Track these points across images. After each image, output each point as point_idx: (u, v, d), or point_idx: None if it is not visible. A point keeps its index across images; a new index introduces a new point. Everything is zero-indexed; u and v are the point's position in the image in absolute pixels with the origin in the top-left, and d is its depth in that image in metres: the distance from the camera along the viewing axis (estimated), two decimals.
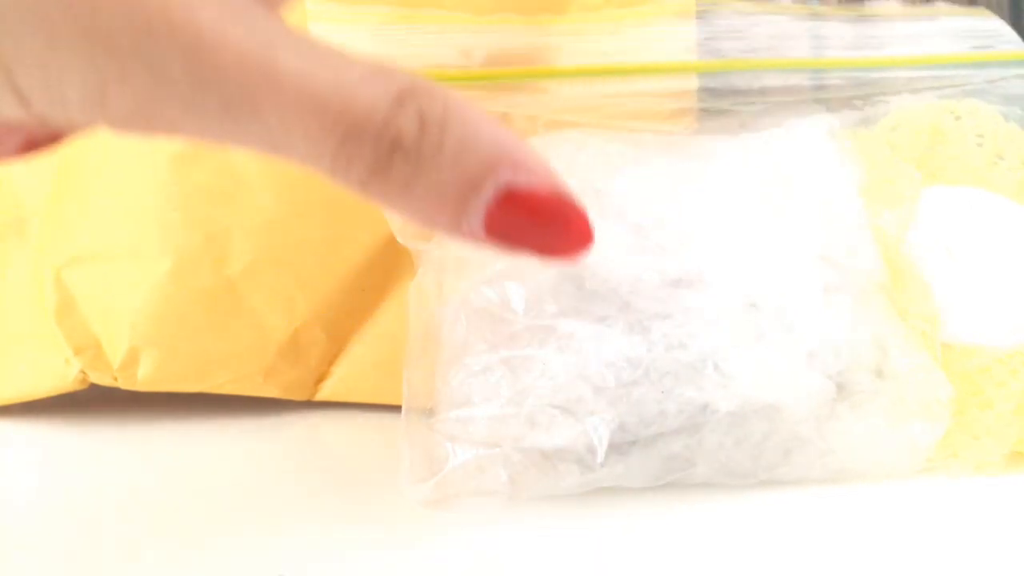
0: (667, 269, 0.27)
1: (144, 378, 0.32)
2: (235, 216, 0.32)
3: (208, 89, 0.16)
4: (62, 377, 0.32)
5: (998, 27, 0.34)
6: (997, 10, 0.39)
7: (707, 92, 0.31)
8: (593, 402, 0.26)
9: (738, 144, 0.29)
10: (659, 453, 0.26)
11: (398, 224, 0.29)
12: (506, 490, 0.26)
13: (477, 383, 0.26)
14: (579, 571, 0.24)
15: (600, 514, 0.26)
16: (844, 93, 0.32)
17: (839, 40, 0.33)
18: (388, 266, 0.33)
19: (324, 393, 0.34)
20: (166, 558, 0.25)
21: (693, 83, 0.31)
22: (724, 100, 0.31)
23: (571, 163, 0.28)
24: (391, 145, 0.17)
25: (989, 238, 0.30)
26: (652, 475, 0.26)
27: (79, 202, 0.33)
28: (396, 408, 0.29)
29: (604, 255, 0.26)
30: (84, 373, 0.32)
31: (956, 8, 0.35)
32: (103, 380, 0.32)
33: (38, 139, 0.19)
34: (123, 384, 0.32)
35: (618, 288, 0.26)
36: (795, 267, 0.27)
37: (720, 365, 0.26)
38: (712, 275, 0.27)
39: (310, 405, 0.34)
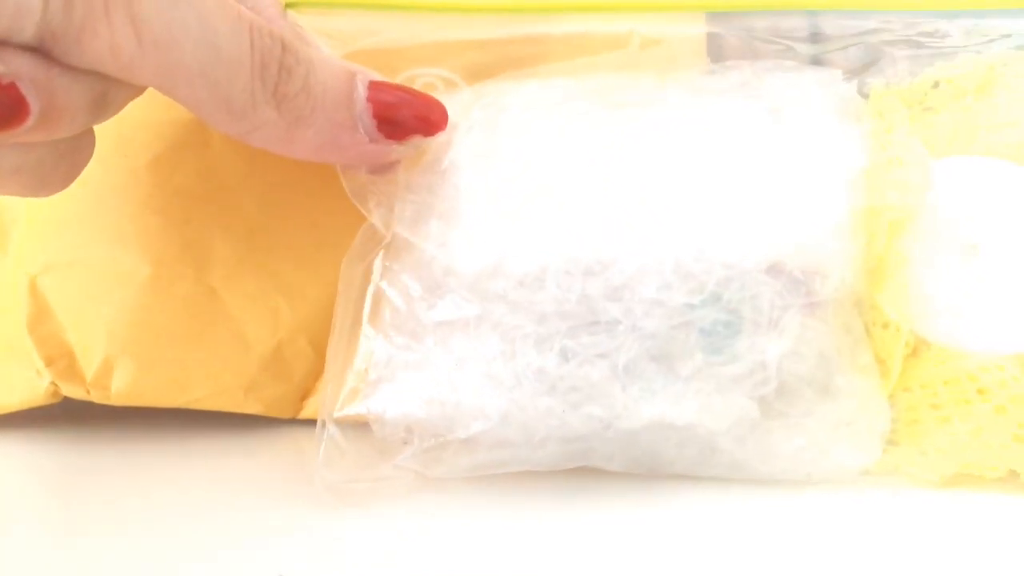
0: (594, 279, 0.25)
1: (118, 392, 0.31)
2: (217, 221, 0.31)
3: None
4: (33, 390, 0.31)
5: None
6: None
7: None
8: (498, 405, 0.25)
9: (725, 111, 0.27)
10: (574, 447, 0.26)
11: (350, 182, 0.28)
12: (414, 471, 0.26)
13: (397, 369, 0.26)
14: (570, 569, 0.24)
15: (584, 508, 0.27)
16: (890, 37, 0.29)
17: None
18: None
19: (310, 411, 0.32)
20: None
21: (701, 28, 0.29)
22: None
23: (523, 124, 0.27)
24: (282, 45, 0.23)
25: (1010, 225, 0.27)
26: (564, 462, 0.26)
27: (56, 207, 0.32)
28: None
29: (528, 257, 0.25)
30: (56, 385, 0.31)
31: None
32: (75, 393, 0.31)
33: None
34: (96, 398, 0.31)
35: (540, 294, 0.25)
36: (739, 280, 0.25)
37: (628, 388, 0.25)
38: (642, 282, 0.25)
39: (294, 423, 0.32)
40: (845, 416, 0.26)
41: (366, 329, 0.27)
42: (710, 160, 0.26)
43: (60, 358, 0.31)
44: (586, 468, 0.27)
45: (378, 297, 0.27)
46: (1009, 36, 0.29)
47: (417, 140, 0.26)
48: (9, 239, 0.33)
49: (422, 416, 0.26)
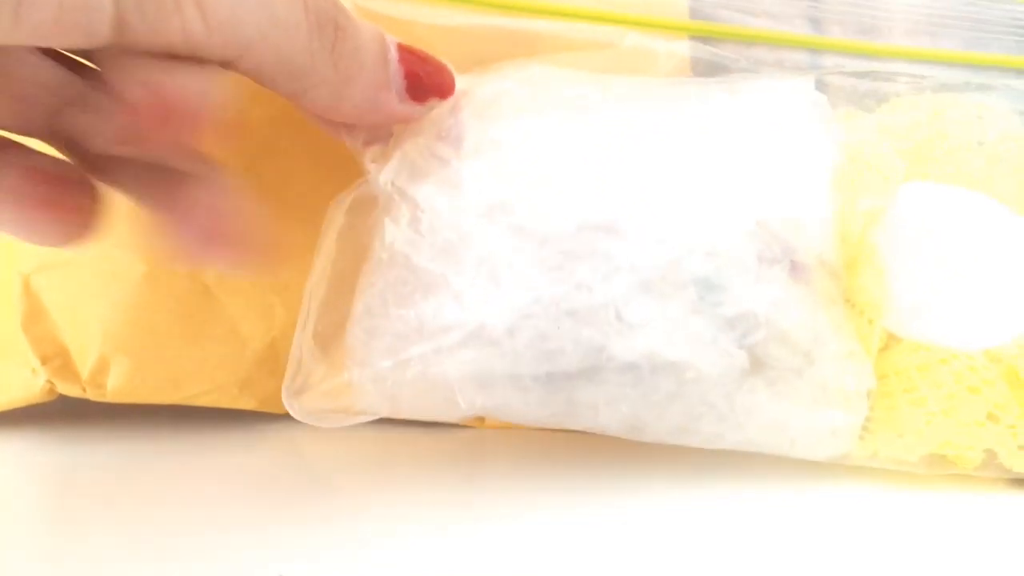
0: (593, 213, 0.26)
1: (114, 389, 0.31)
2: None
3: None
4: (28, 388, 0.31)
5: None
6: None
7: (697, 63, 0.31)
8: (493, 331, 0.26)
9: (706, 95, 0.28)
10: (560, 395, 0.26)
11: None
12: (385, 411, 0.27)
13: (390, 297, 0.26)
14: (566, 569, 0.24)
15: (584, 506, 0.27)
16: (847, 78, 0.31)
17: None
18: None
19: None
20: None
21: (684, 48, 0.30)
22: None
23: (522, 100, 0.28)
24: (333, 2, 0.24)
25: (962, 238, 0.29)
26: (552, 414, 0.27)
27: None
28: (380, 421, 0.28)
29: (534, 193, 0.26)
30: (51, 383, 0.31)
31: None
32: (71, 391, 0.31)
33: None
34: (92, 395, 0.31)
35: (539, 226, 0.26)
36: (730, 230, 0.26)
37: (622, 313, 0.25)
38: (638, 225, 0.26)
39: (288, 418, 0.31)
40: (830, 378, 0.27)
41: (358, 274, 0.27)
42: (698, 141, 0.27)
43: (55, 356, 0.31)
44: (582, 463, 0.28)
45: (365, 240, 0.28)
46: (969, 83, 0.31)
47: (433, 102, 0.27)
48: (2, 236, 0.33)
49: (410, 338, 0.26)
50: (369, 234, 0.28)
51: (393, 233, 0.27)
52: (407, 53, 0.26)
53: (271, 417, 0.33)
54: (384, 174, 0.27)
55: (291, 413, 0.27)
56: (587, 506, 0.27)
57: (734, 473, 0.28)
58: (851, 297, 0.28)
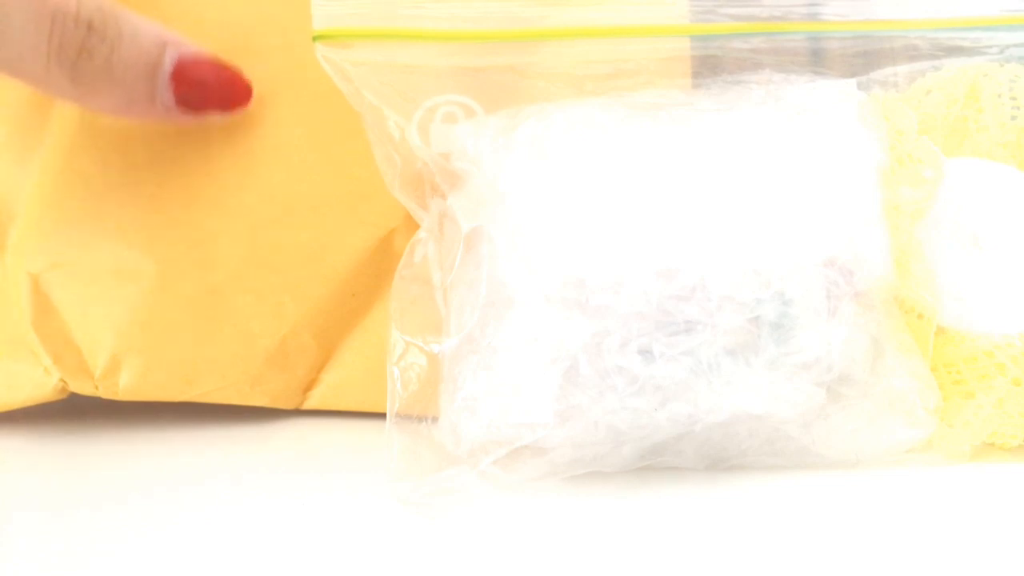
0: (668, 278, 0.26)
1: (126, 387, 0.31)
2: (221, 220, 0.32)
3: None
4: (40, 386, 0.31)
5: None
6: None
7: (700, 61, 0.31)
8: (588, 410, 0.26)
9: (757, 119, 0.28)
10: (647, 446, 0.27)
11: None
12: (494, 478, 0.27)
13: (480, 376, 0.26)
14: (562, 566, 0.24)
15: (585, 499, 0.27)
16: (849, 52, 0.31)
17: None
18: (379, 270, 0.32)
19: (313, 401, 0.33)
20: (150, 569, 0.25)
21: (685, 44, 0.30)
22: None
23: (559, 141, 0.28)
24: (87, 27, 0.25)
25: (1006, 219, 0.29)
26: (636, 461, 0.27)
27: (57, 206, 0.32)
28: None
29: (604, 265, 0.26)
30: (64, 382, 0.31)
31: None
32: (84, 389, 0.31)
33: None
34: (104, 393, 0.31)
35: (619, 299, 0.26)
36: (799, 275, 0.27)
37: (713, 382, 0.26)
38: (714, 284, 0.26)
39: (298, 414, 0.33)
40: (897, 395, 0.27)
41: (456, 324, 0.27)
42: (752, 167, 0.27)
43: (67, 355, 0.31)
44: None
45: (445, 317, 0.28)
46: (989, 48, 0.31)
47: (215, 115, 0.28)
48: (7, 236, 0.33)
49: (502, 428, 0.26)
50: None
51: (469, 320, 0.27)
52: (187, 68, 0.27)
53: (281, 413, 0.33)
54: (458, 248, 0.28)
55: (393, 496, 0.27)
56: (602, 501, 0.27)
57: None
58: (900, 293, 0.28)
